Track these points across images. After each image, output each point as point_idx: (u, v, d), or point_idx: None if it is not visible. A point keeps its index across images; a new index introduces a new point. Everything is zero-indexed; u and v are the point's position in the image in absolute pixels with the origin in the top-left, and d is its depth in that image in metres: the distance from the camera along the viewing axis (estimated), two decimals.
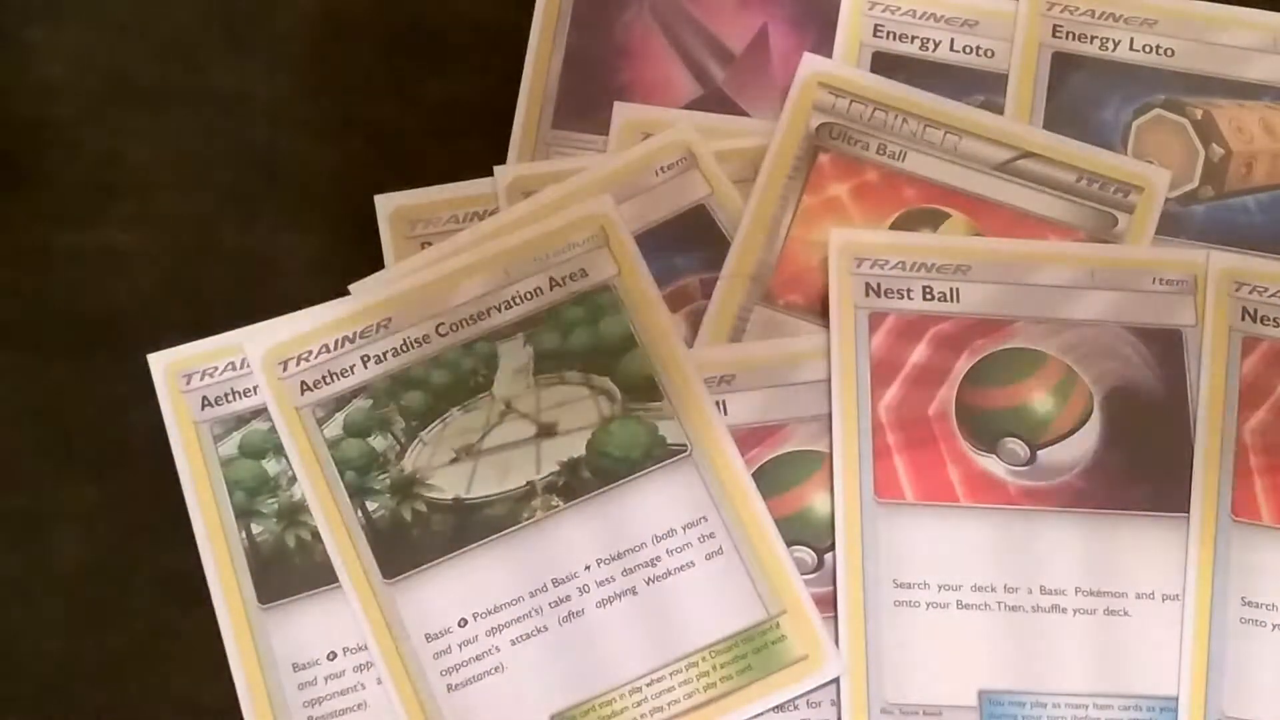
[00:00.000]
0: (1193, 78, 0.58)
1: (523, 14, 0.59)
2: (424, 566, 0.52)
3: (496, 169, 0.57)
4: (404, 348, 0.55)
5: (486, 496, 0.53)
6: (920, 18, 0.59)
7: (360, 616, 0.51)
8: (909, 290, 0.54)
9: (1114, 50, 0.58)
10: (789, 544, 0.52)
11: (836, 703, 0.50)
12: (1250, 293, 0.54)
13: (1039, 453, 0.53)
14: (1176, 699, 0.50)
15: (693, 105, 0.58)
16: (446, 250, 0.56)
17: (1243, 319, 0.54)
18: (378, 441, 0.54)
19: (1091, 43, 0.59)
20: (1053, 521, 0.52)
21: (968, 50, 0.59)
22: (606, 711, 0.50)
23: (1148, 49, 0.58)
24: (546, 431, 0.54)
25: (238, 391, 0.55)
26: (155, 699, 0.52)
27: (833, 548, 0.52)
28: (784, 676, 0.50)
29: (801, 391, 0.54)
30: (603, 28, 0.59)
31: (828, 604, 0.51)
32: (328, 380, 0.55)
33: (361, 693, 0.51)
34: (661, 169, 0.57)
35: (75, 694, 0.52)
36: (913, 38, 0.59)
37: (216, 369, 0.55)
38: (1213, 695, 0.50)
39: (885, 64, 0.58)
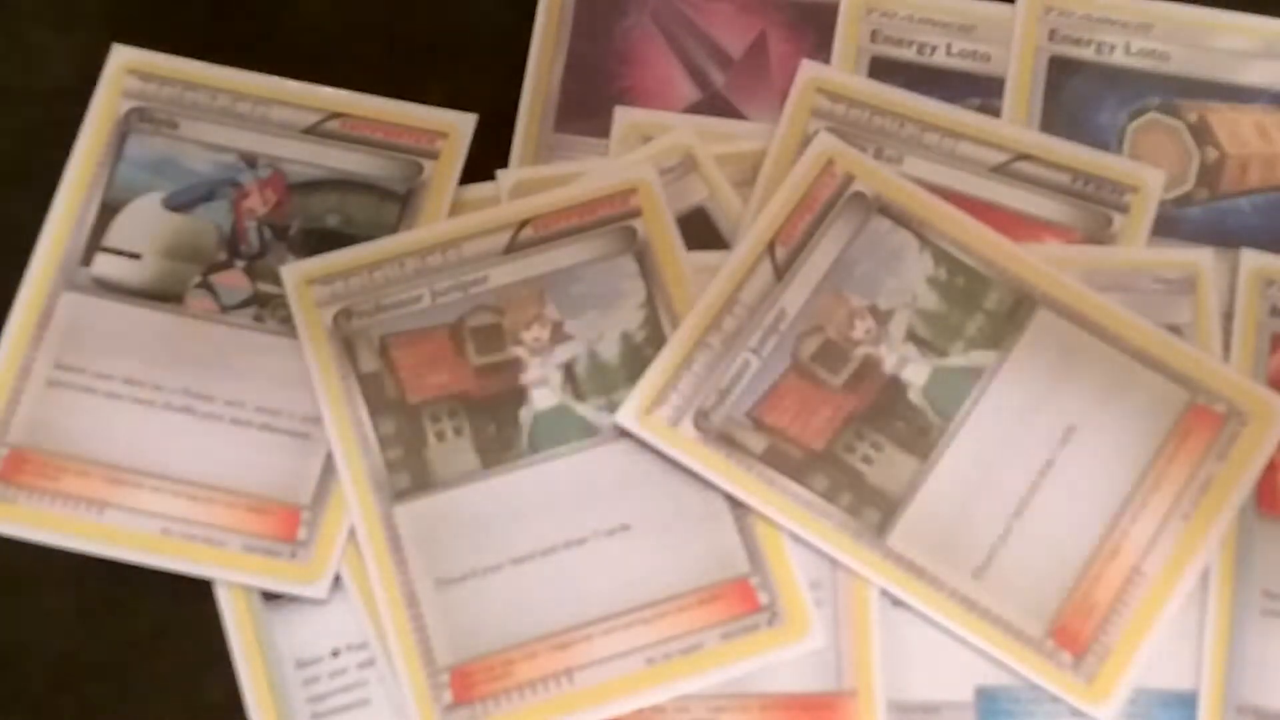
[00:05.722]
0: (1188, 82, 0.58)
1: (524, 19, 0.60)
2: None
3: (499, 172, 0.57)
4: None
5: None
6: (918, 23, 0.59)
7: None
8: None
9: (1110, 54, 0.59)
10: None
11: None
12: None
13: None
14: (1174, 690, 0.51)
15: (692, 109, 0.59)
16: None
17: (1271, 315, 0.54)
18: None
19: (1088, 47, 0.59)
20: None
21: (965, 55, 0.59)
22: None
23: (1143, 53, 0.59)
24: None
25: None
26: (159, 694, 0.52)
27: None
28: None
29: None
30: (604, 33, 0.60)
31: None
32: None
33: (364, 689, 0.51)
34: (662, 172, 0.57)
35: (79, 689, 0.52)
36: (910, 42, 0.59)
37: None
38: (1232, 685, 0.51)
39: (883, 69, 0.59)
